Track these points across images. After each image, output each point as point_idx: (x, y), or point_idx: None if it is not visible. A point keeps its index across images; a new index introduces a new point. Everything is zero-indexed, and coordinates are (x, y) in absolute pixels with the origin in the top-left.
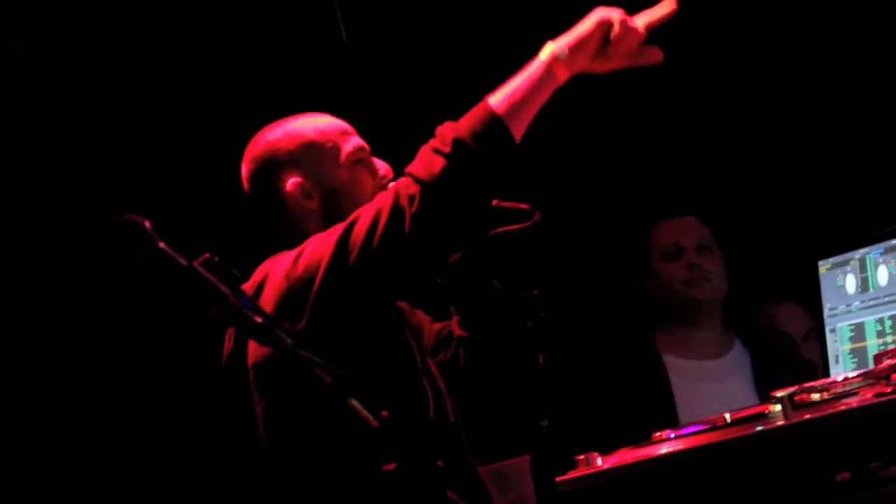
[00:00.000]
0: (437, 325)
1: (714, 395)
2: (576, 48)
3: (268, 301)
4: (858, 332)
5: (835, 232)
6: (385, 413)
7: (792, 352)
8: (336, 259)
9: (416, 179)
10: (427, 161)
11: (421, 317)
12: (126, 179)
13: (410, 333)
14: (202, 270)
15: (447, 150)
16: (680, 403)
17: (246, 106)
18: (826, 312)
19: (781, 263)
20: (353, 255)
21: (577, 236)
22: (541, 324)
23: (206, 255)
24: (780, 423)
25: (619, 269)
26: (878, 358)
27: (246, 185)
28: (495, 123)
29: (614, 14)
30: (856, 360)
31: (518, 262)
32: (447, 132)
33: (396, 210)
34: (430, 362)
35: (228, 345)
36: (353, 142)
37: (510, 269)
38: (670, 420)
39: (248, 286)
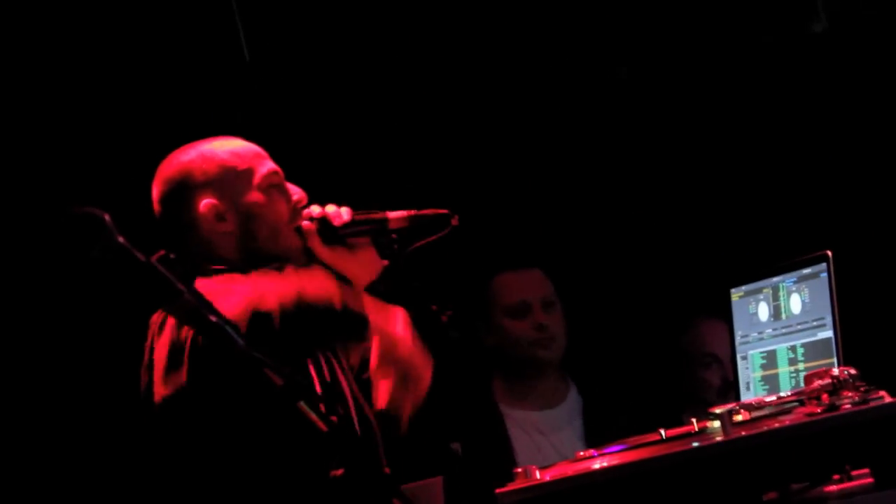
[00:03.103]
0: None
1: (549, 446)
2: None
3: None
4: (770, 360)
5: (748, 261)
6: (334, 418)
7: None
8: None
9: None
10: None
11: None
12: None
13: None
14: (159, 267)
15: None
16: (518, 453)
17: (146, 126)
18: (738, 339)
19: (693, 291)
20: None
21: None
22: (455, 346)
23: (162, 252)
24: (719, 438)
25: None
26: (809, 379)
27: (157, 206)
28: None
29: None
30: (767, 387)
31: (433, 281)
32: None
33: None
34: (351, 380)
35: (145, 378)
36: (268, 165)
37: (425, 289)
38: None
39: None
